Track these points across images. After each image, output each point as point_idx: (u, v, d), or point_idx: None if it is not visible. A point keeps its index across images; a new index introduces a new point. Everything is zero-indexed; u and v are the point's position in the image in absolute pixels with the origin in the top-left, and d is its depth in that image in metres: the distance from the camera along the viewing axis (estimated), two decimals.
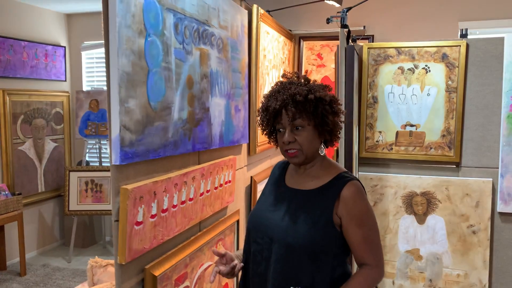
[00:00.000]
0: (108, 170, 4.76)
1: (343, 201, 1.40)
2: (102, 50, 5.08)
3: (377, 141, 3.07)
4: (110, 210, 4.58)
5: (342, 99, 2.39)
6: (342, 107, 1.54)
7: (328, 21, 2.54)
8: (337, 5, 3.35)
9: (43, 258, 4.68)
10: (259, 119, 1.56)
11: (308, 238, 1.38)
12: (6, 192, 4.12)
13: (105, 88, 4.89)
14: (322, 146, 1.50)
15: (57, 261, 4.62)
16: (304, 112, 1.43)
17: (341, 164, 2.42)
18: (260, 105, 1.55)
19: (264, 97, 1.54)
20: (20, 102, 4.54)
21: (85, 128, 4.62)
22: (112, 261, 2.20)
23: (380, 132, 3.06)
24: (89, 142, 4.81)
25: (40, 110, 4.78)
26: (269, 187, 1.63)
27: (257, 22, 2.88)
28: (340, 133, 1.52)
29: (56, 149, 5.01)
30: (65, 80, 5.21)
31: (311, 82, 1.52)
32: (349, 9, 2.49)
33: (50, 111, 4.92)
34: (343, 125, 1.56)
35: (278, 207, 1.49)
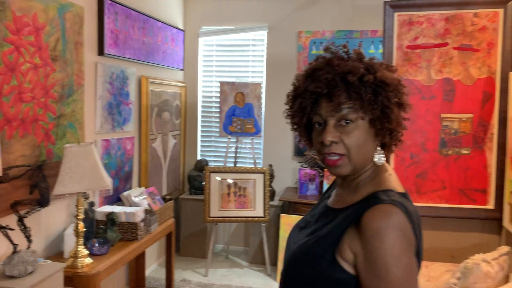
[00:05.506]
0: (252, 172, 4.25)
1: (361, 232, 0.95)
2: (223, 37, 4.54)
3: None
4: (255, 217, 4.05)
5: None
6: (408, 97, 1.08)
7: None
8: None
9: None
10: (287, 109, 1.13)
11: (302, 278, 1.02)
12: (158, 197, 3.52)
13: (249, 79, 4.38)
14: (379, 151, 1.06)
15: (190, 275, 4.04)
16: (358, 99, 1.00)
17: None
18: (292, 88, 1.11)
19: (296, 78, 1.11)
20: (155, 92, 3.93)
21: (230, 124, 4.04)
22: None
23: None
24: (231, 140, 4.23)
25: (167, 102, 4.17)
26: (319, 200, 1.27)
27: None
28: (402, 134, 1.07)
29: (175, 147, 4.41)
30: (182, 69, 4.61)
31: (366, 59, 1.07)
32: None
33: (173, 104, 4.32)
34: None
35: (307, 228, 1.13)
